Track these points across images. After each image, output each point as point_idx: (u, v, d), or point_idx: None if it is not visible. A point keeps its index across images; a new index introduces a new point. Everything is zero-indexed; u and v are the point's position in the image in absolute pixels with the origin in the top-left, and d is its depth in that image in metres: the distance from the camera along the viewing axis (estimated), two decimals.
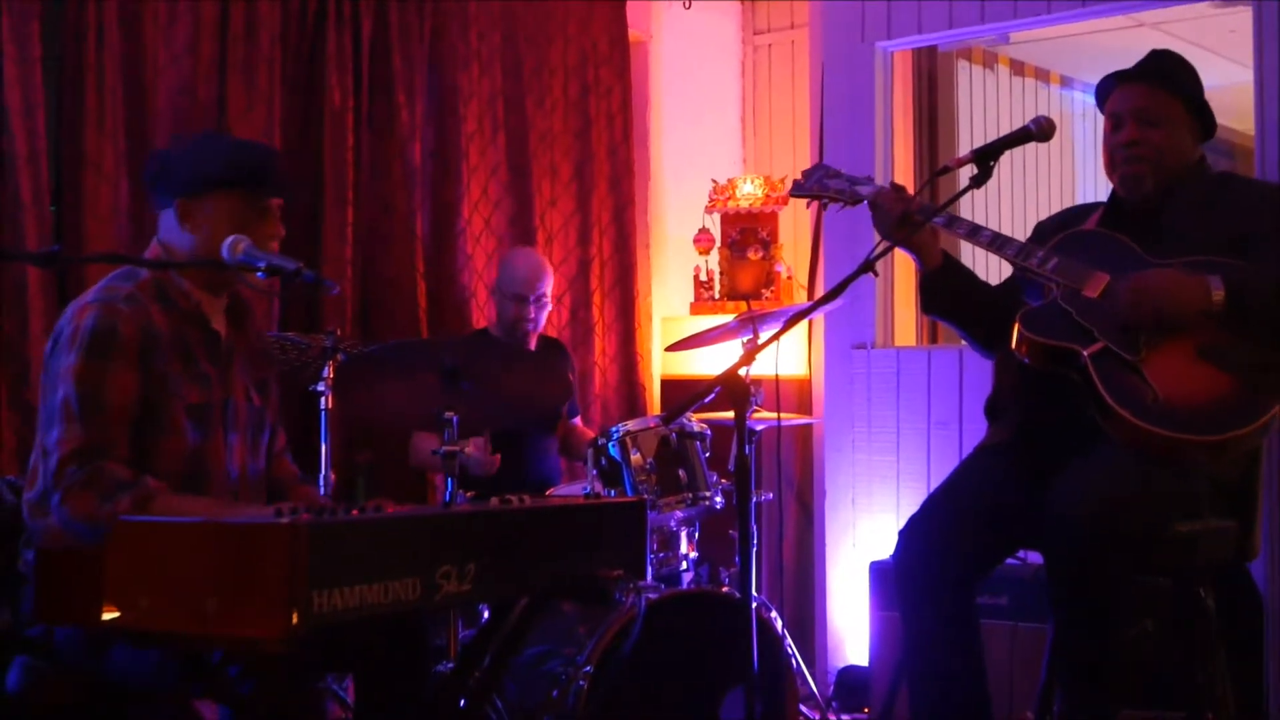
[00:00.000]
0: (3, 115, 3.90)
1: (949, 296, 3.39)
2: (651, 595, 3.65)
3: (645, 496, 3.61)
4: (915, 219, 3.27)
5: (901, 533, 3.21)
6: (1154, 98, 3.23)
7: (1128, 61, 3.35)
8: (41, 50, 3.98)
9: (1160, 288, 3.01)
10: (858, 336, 4.88)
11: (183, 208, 2.80)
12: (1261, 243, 3.07)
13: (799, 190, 3.57)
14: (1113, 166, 3.30)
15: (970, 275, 3.44)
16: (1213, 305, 2.97)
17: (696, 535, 4.07)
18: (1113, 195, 3.38)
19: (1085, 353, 3.02)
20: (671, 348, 4.68)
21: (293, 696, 2.52)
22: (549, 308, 4.76)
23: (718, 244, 5.71)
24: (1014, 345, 3.13)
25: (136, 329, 2.66)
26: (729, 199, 5.69)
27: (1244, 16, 4.33)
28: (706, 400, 2.69)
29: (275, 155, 2.95)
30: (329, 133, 4.65)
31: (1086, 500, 2.90)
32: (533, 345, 4.68)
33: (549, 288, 4.74)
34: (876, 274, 2.86)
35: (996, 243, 3.25)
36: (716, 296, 5.68)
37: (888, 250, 3.13)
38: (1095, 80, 3.34)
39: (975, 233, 3.28)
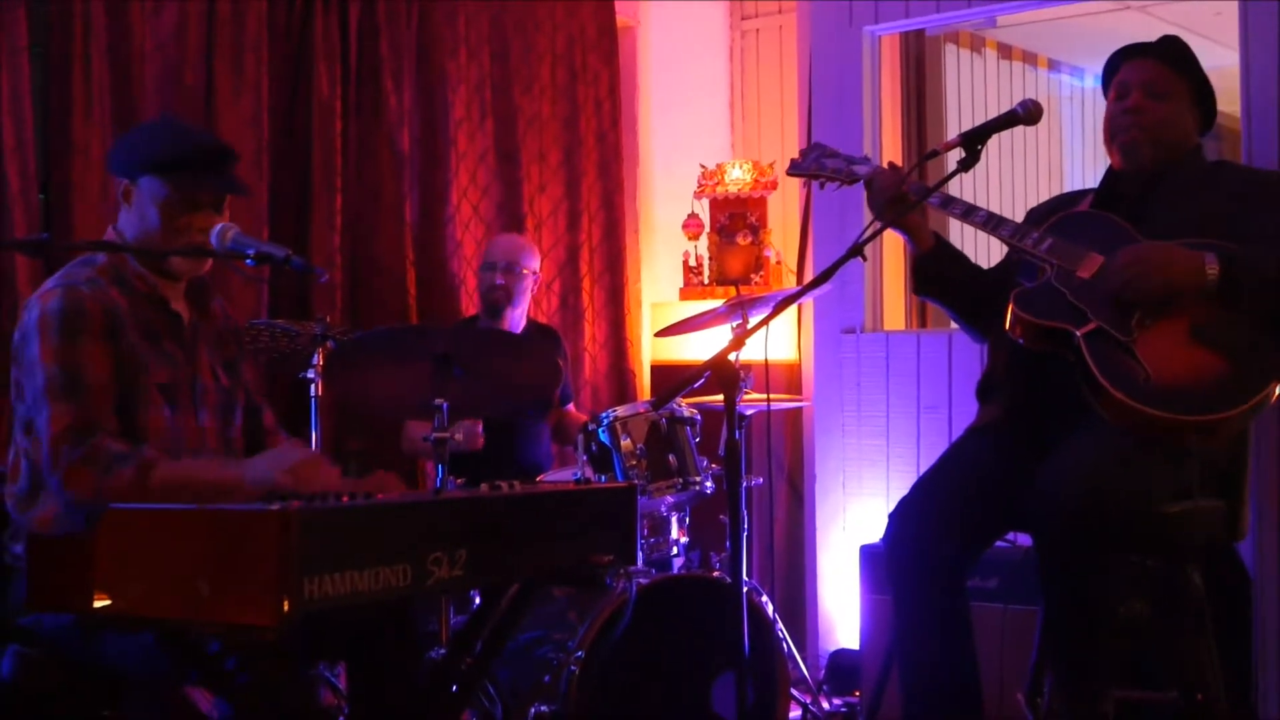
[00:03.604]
0: None
1: (941, 278, 3.40)
2: (642, 580, 3.66)
3: (636, 482, 3.61)
4: (911, 199, 3.27)
5: (891, 516, 3.21)
6: (1164, 74, 3.25)
7: (1114, 45, 3.35)
8: (28, 38, 3.96)
9: (1155, 260, 3.01)
10: (847, 321, 4.88)
11: (124, 190, 2.82)
12: (1255, 225, 3.07)
13: (796, 169, 3.56)
14: (1112, 135, 3.30)
15: (962, 257, 3.45)
16: (1207, 281, 2.97)
17: (687, 520, 4.08)
18: (1106, 175, 3.38)
19: (1078, 332, 3.02)
20: (661, 333, 4.67)
21: (285, 684, 2.52)
22: (527, 282, 4.74)
23: (707, 229, 5.72)
24: (1008, 326, 3.14)
25: (100, 308, 2.67)
26: (718, 184, 5.69)
27: (1230, 2, 4.33)
28: (696, 385, 2.69)
29: (215, 149, 2.84)
30: (317, 120, 4.64)
31: (1076, 481, 2.91)
32: (507, 322, 4.67)
33: (527, 264, 4.73)
34: (865, 259, 2.86)
35: (991, 223, 3.25)
36: (706, 282, 5.69)
37: (877, 234, 3.13)
38: (1083, 63, 3.35)
39: (970, 212, 3.28)
